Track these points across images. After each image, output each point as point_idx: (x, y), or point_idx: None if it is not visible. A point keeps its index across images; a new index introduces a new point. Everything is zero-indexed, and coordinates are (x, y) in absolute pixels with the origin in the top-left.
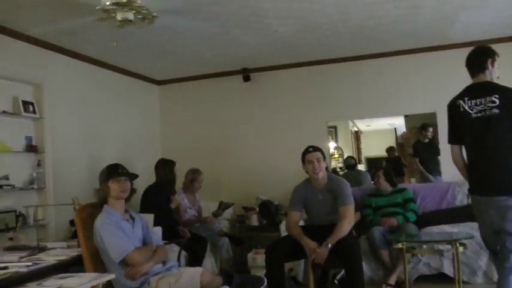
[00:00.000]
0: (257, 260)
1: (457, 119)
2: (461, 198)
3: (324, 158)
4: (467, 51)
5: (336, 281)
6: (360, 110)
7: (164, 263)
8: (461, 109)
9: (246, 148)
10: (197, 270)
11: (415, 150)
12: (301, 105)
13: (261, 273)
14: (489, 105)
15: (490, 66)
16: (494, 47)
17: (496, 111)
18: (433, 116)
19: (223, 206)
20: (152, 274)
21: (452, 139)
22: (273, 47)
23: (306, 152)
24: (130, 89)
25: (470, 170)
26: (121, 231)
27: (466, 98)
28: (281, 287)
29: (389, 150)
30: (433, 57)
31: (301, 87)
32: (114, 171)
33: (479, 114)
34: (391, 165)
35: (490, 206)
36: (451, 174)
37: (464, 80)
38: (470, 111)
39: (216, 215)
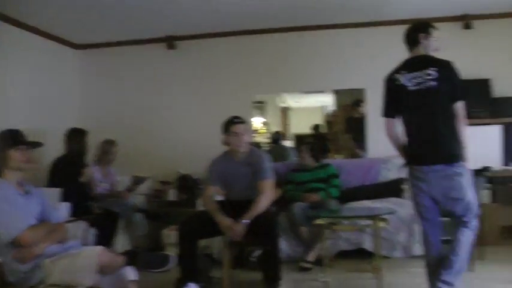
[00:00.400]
0: (172, 236)
1: (394, 92)
2: (385, 174)
3: (248, 131)
4: (400, 29)
5: (252, 258)
6: (288, 84)
7: (63, 242)
8: (399, 82)
9: (168, 120)
10: (95, 250)
11: (349, 126)
12: (228, 77)
13: (176, 250)
14: (426, 77)
15: (423, 41)
16: None
17: (433, 83)
18: (362, 92)
19: (137, 180)
20: (47, 256)
21: (388, 112)
22: (200, 13)
23: (231, 122)
24: (44, 52)
25: (409, 141)
26: (12, 207)
27: (403, 72)
28: (193, 265)
29: (315, 127)
30: (367, 33)
31: (228, 58)
32: (17, 138)
33: (416, 87)
34: (316, 141)
35: (429, 174)
36: (375, 151)
37: (396, 57)
38: (408, 84)
39: (129, 189)
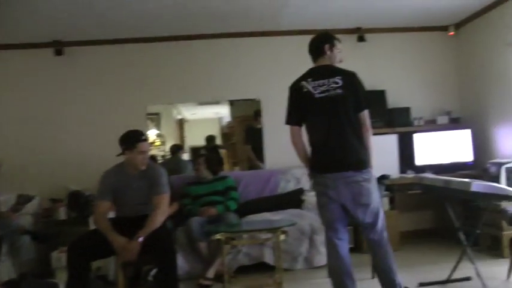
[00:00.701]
0: (62, 259)
1: (300, 99)
2: (284, 185)
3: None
4: (296, 39)
5: (150, 278)
6: (183, 94)
7: None
8: (305, 89)
9: (56, 132)
10: None
11: (248, 136)
12: (119, 86)
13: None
14: (332, 85)
15: (328, 51)
16: None
17: (340, 91)
18: (258, 103)
19: (22, 200)
20: None
21: (293, 120)
22: (87, 19)
23: (137, 140)
24: None
25: (315, 149)
26: None
27: (309, 79)
28: None
29: (209, 139)
30: (262, 43)
31: (119, 67)
32: None
33: (322, 95)
34: (212, 153)
35: (337, 181)
36: (273, 162)
37: (292, 68)
38: (314, 92)
39: (14, 209)
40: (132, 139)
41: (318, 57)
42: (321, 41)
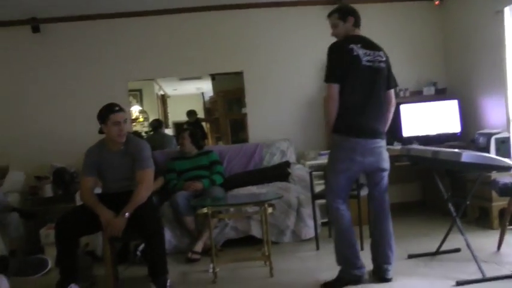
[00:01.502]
0: (50, 236)
1: (348, 61)
2: (269, 158)
3: (127, 117)
4: (276, 11)
5: (138, 253)
6: (163, 69)
7: None
8: (355, 53)
9: (38, 110)
10: None
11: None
12: (100, 63)
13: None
14: (377, 58)
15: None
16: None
17: (383, 65)
18: (240, 77)
19: None
20: None
21: (335, 78)
22: None
23: (111, 111)
24: None
25: (349, 113)
26: None
27: (358, 45)
28: (73, 265)
29: (189, 113)
30: (244, 16)
31: (99, 42)
32: None
33: (368, 64)
34: (195, 128)
35: (367, 147)
36: (257, 135)
37: (274, 41)
38: (362, 58)
39: None
40: (105, 112)
41: (357, 27)
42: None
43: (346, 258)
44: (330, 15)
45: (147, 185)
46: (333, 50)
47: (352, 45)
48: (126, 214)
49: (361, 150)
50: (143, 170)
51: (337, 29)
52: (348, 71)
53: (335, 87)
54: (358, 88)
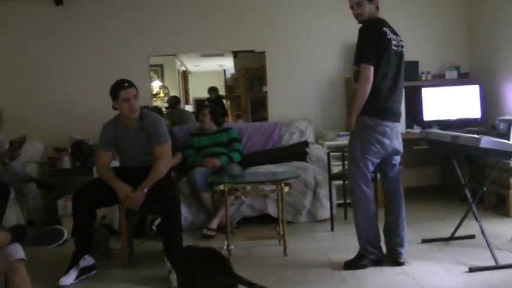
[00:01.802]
0: (68, 207)
1: (381, 43)
2: (288, 138)
3: (138, 93)
4: None
5: (153, 227)
6: (185, 44)
7: None
8: (388, 36)
9: (60, 81)
10: None
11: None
12: (122, 36)
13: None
14: (400, 43)
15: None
16: None
17: (404, 50)
18: (262, 55)
19: (16, 145)
20: None
21: (370, 59)
22: None
23: (121, 87)
24: None
25: (381, 95)
26: None
27: (388, 29)
28: (89, 237)
29: (211, 90)
30: None
31: (122, 16)
32: None
33: (396, 48)
34: (216, 105)
35: (394, 130)
36: (277, 115)
37: (296, 21)
38: (393, 41)
39: (11, 156)
40: (115, 88)
41: (378, 10)
42: None
43: (370, 238)
44: None
45: (166, 160)
46: (368, 31)
47: (385, 28)
48: (145, 189)
49: (390, 134)
50: (161, 145)
51: (360, 8)
52: (383, 54)
53: (371, 69)
54: (388, 71)
